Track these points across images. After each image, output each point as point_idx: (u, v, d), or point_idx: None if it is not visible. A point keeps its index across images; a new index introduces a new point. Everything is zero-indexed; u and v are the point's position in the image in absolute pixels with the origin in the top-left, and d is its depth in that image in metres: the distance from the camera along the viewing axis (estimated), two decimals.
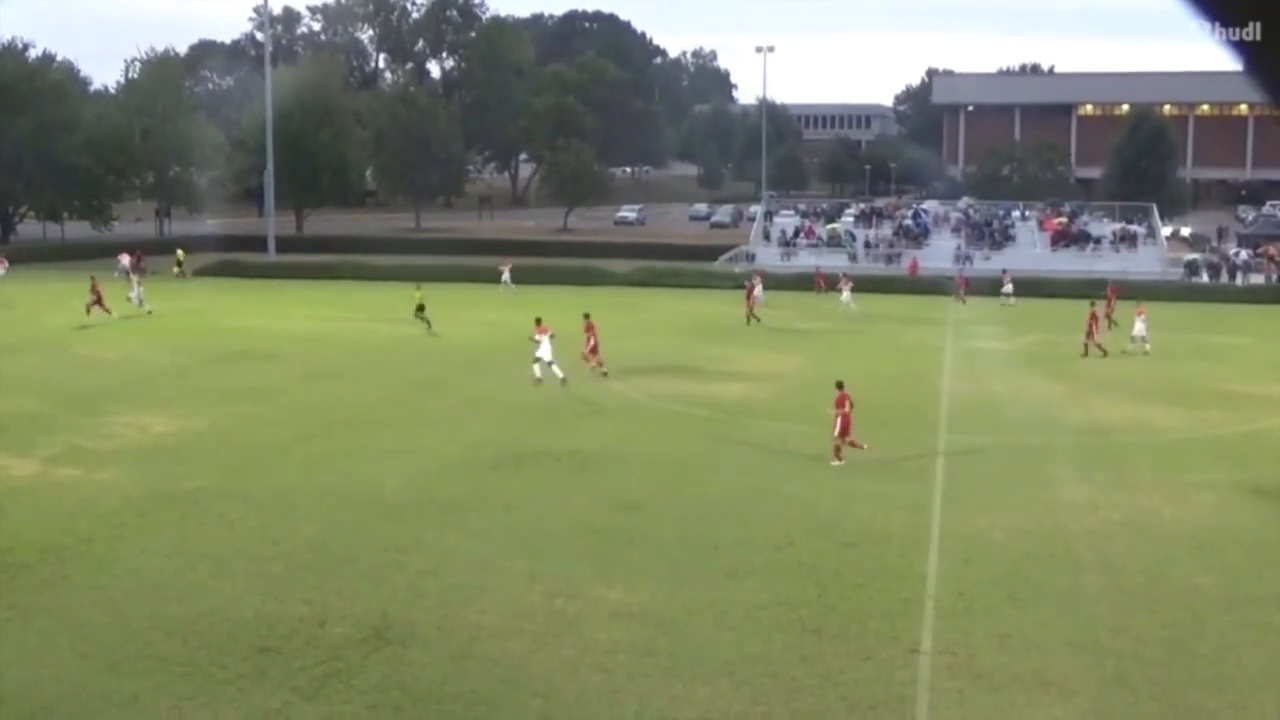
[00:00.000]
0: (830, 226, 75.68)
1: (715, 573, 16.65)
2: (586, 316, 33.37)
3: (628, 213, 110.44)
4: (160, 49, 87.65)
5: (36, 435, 24.94)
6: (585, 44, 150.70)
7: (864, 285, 56.75)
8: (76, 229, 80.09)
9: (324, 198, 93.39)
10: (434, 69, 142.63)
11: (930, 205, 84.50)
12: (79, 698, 12.73)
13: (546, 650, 13.92)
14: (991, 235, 73.66)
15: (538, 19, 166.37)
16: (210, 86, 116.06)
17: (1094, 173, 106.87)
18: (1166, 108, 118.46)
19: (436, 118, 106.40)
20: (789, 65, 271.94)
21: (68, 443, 24.30)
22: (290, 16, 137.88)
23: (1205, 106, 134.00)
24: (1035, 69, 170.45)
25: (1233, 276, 63.36)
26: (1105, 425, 27.75)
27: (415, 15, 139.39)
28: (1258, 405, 30.36)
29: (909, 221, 76.17)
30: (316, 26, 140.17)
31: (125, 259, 59.03)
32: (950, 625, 14.85)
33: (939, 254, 69.39)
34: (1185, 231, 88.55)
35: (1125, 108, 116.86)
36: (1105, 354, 37.59)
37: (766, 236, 75.04)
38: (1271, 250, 66.14)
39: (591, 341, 32.73)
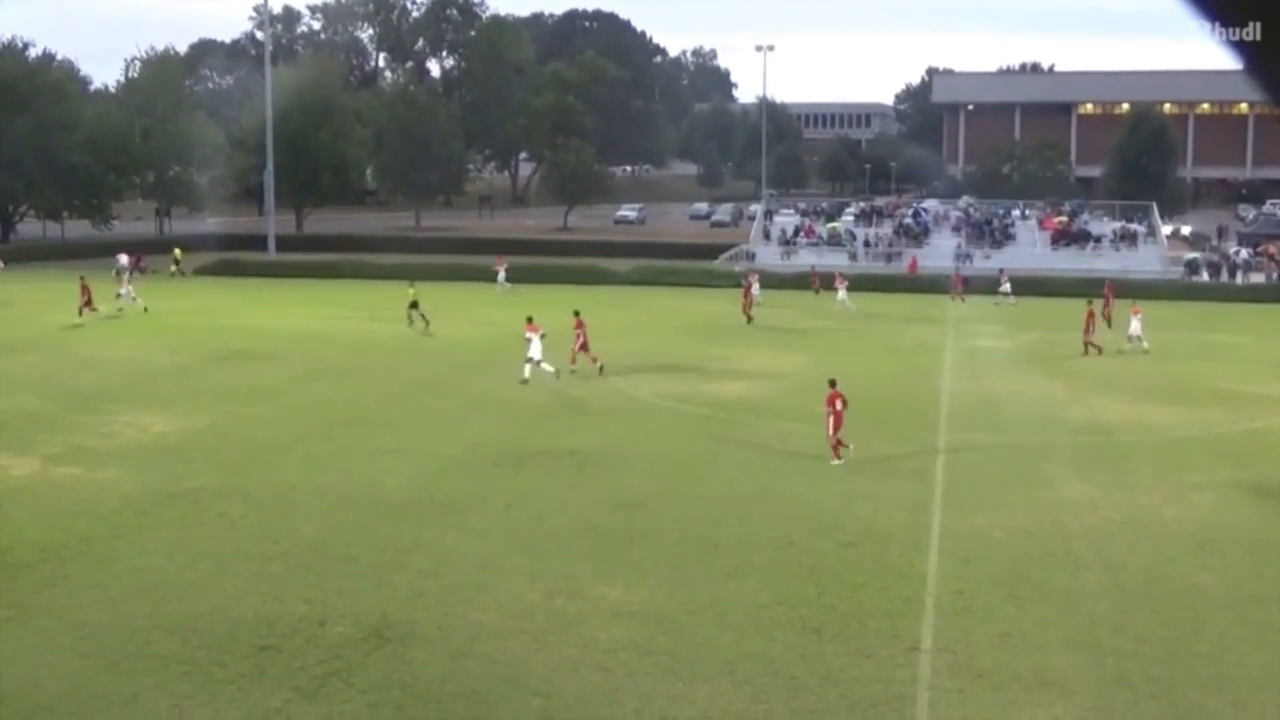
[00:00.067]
0: (830, 225, 75.67)
1: (715, 572, 16.66)
2: (577, 314, 33.41)
3: (628, 212, 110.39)
4: (160, 48, 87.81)
5: (37, 434, 24.95)
6: (585, 43, 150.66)
7: (864, 284, 56.78)
8: (77, 228, 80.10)
9: (324, 197, 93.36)
10: (434, 68, 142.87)
11: (930, 204, 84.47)
12: (79, 697, 12.74)
13: (547, 649, 13.92)
14: (991, 234, 73.65)
15: (538, 18, 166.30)
16: (210, 86, 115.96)
17: (1094, 171, 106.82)
18: (1167, 106, 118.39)
19: (436, 117, 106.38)
20: (789, 64, 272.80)
21: (68, 442, 24.31)
22: (290, 15, 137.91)
23: (1205, 105, 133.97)
24: (1035, 68, 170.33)
25: (1233, 275, 63.34)
26: (1105, 424, 27.75)
27: (415, 14, 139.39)
28: (1258, 404, 30.36)
29: (909, 220, 76.15)
30: (316, 25, 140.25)
31: (123, 259, 59.07)
32: (950, 624, 14.85)
33: (939, 253, 69.36)
34: (1185, 230, 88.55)
35: (1125, 106, 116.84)
36: (1100, 352, 37.62)
37: (766, 235, 75.02)
38: (1272, 249, 66.14)
39: (581, 339, 32.76)
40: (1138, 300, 41.64)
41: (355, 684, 12.96)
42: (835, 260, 66.77)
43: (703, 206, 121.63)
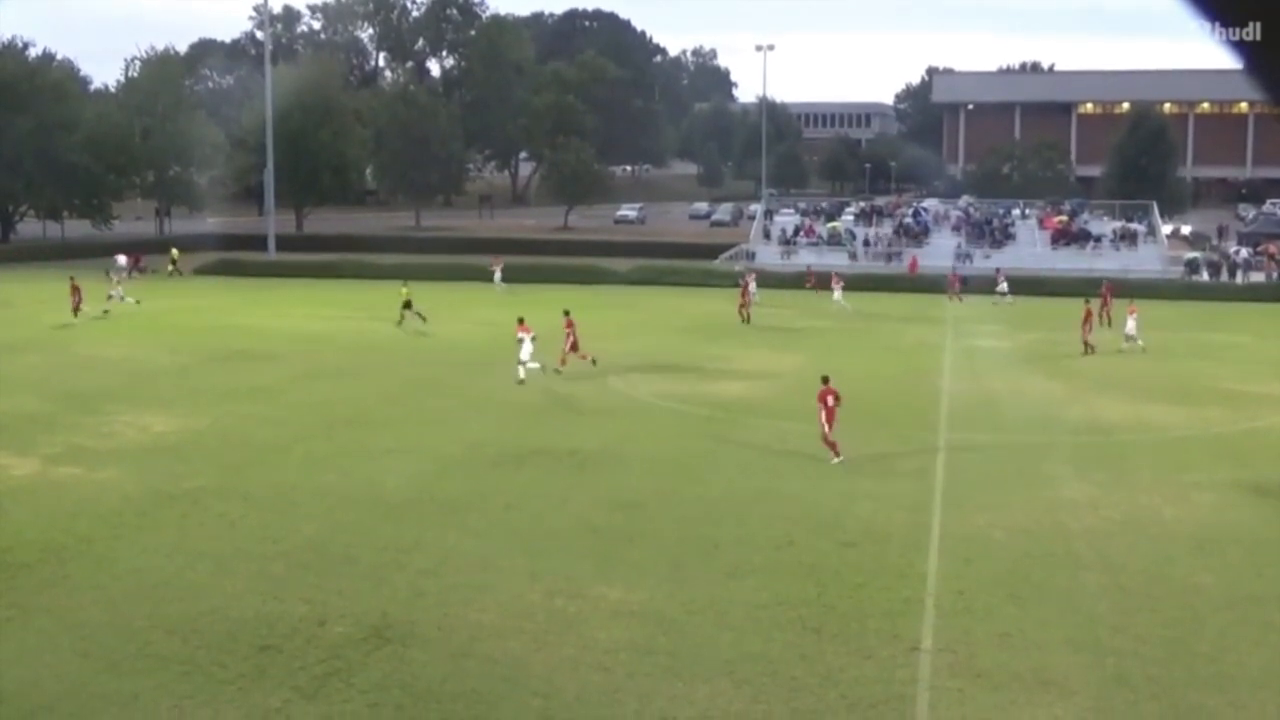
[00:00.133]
0: (830, 225, 75.67)
1: (715, 572, 16.66)
2: (567, 314, 33.43)
3: (628, 211, 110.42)
4: (160, 48, 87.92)
5: (37, 434, 24.95)
6: (585, 43, 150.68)
7: (864, 284, 56.80)
8: (77, 228, 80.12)
9: (324, 196, 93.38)
10: (434, 68, 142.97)
11: (930, 204, 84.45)
12: (79, 697, 12.73)
13: (547, 649, 13.92)
14: (991, 234, 73.64)
15: (538, 17, 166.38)
16: (210, 85, 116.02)
17: (1094, 171, 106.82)
18: (1166, 106, 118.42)
19: (436, 116, 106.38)
20: (789, 63, 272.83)
21: (68, 442, 24.31)
22: (290, 15, 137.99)
23: (1205, 105, 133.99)
24: (1035, 67, 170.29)
25: (1233, 275, 63.34)
26: (1105, 424, 27.75)
27: (415, 14, 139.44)
28: (1258, 404, 30.36)
29: (909, 220, 76.14)
30: (316, 25, 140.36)
31: (122, 259, 59.15)
32: (950, 624, 14.85)
33: (939, 252, 69.35)
34: (1185, 230, 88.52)
35: (1125, 106, 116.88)
36: (1093, 351, 37.69)
37: (766, 235, 75.01)
38: (1272, 248, 66.14)
39: (571, 339, 32.78)
40: (1137, 300, 41.68)
41: (355, 684, 12.96)
42: (835, 260, 66.74)
43: (703, 206, 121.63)
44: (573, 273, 61.15)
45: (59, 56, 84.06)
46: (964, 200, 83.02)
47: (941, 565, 17.04)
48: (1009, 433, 26.65)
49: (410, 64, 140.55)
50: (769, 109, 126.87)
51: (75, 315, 42.67)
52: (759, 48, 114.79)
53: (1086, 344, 38.07)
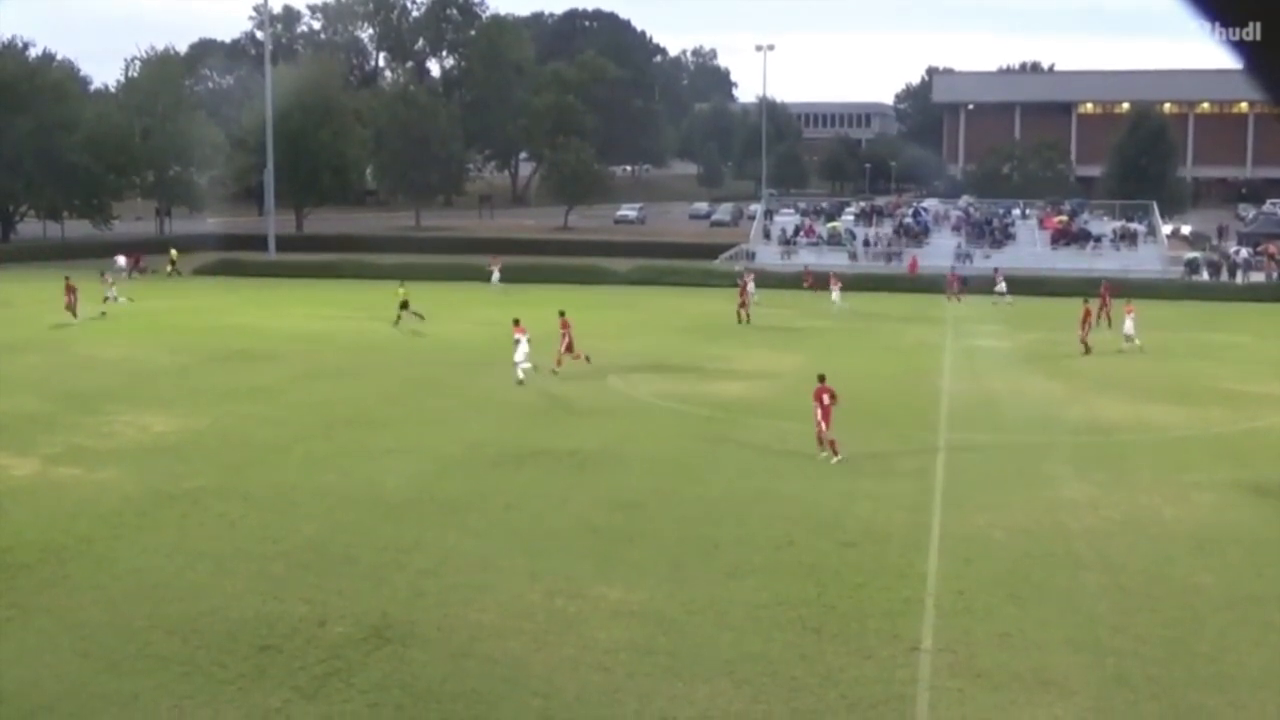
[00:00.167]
0: (830, 225, 75.68)
1: (715, 572, 16.65)
2: (562, 314, 33.42)
3: (628, 211, 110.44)
4: (160, 48, 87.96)
5: (37, 435, 24.95)
6: (585, 43, 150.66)
7: (864, 284, 56.80)
8: (77, 228, 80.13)
9: (324, 197, 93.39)
10: (434, 68, 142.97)
11: (930, 204, 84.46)
12: (79, 697, 12.73)
13: (547, 649, 13.91)
14: (992, 234, 73.65)
15: (538, 17, 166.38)
16: (210, 85, 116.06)
17: (1094, 171, 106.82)
18: (1167, 106, 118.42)
19: (436, 116, 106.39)
20: (789, 63, 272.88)
21: (68, 442, 24.31)
22: (290, 15, 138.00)
23: (1205, 105, 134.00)
24: (1035, 67, 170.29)
25: (1233, 275, 63.34)
26: (1105, 424, 27.75)
27: (415, 14, 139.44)
28: (1258, 404, 30.36)
29: (909, 220, 76.16)
30: (316, 25, 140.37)
31: (121, 260, 59.22)
32: (950, 624, 14.85)
33: (939, 252, 69.35)
34: (1185, 230, 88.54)
35: (1125, 106, 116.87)
36: (1090, 351, 37.74)
37: (767, 235, 75.03)
38: (1272, 248, 66.13)
39: (567, 340, 32.77)
40: (1137, 300, 41.71)
41: (355, 684, 12.96)
42: (835, 260, 66.75)
43: (703, 206, 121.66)
44: (573, 273, 61.14)
45: (59, 57, 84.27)
46: (964, 200, 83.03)
47: (941, 565, 17.04)
48: (1009, 433, 26.65)
49: (410, 64, 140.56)
50: (769, 109, 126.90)
51: (74, 315, 42.65)
52: (759, 48, 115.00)
53: (1084, 344, 38.14)
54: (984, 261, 66.26)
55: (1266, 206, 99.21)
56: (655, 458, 23.45)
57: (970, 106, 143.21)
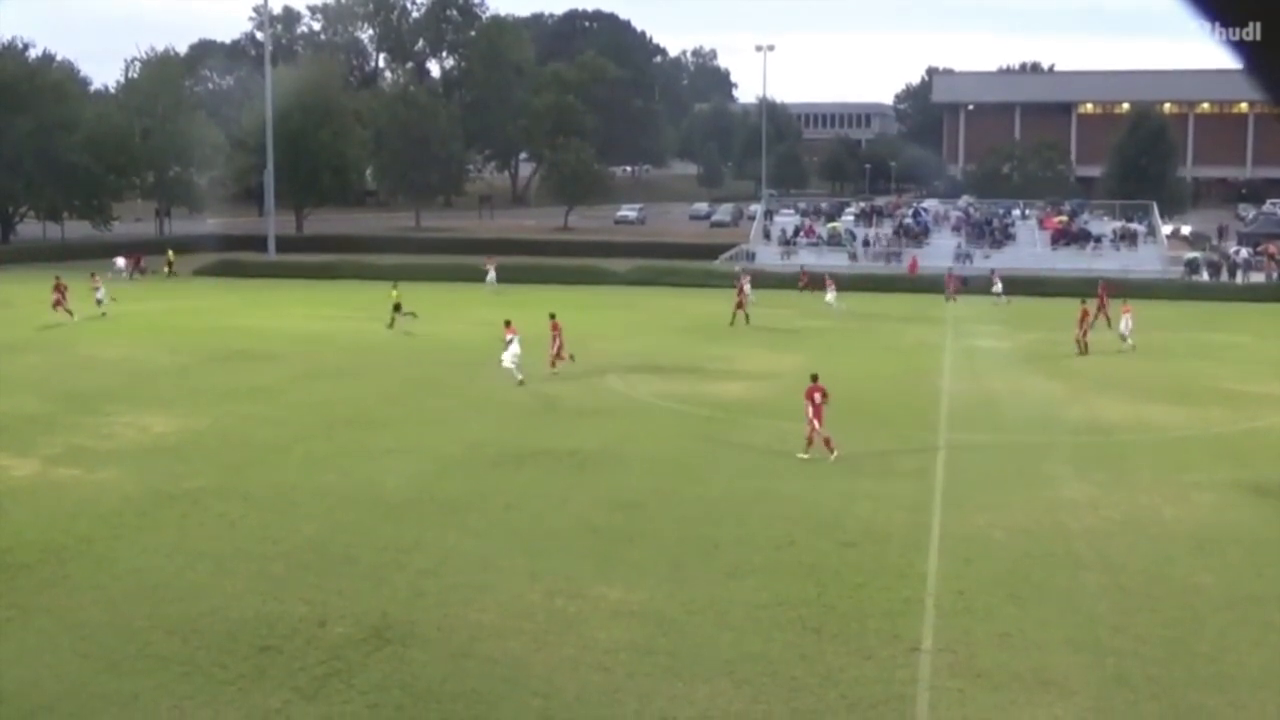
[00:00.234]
0: (830, 225, 75.70)
1: (715, 572, 16.66)
2: (553, 317, 33.39)
3: (628, 212, 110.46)
4: (160, 48, 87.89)
5: (36, 435, 24.96)
6: (585, 43, 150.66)
7: (864, 284, 56.79)
8: (77, 229, 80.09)
9: (324, 197, 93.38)
10: (434, 68, 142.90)
11: (930, 204, 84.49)
12: (79, 697, 12.73)
13: (547, 649, 13.92)
14: (992, 234, 73.65)
15: (538, 18, 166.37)
16: (210, 86, 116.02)
17: (1094, 171, 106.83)
18: (1167, 106, 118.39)
19: (436, 117, 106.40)
20: (789, 64, 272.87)
21: (68, 442, 24.31)
22: (290, 16, 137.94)
23: (1205, 105, 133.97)
24: (1035, 67, 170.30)
25: (1233, 275, 63.33)
26: (1105, 424, 27.75)
27: (415, 14, 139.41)
28: (1258, 404, 30.35)
29: (909, 220, 76.17)
30: (316, 26, 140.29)
31: (121, 260, 59.23)
32: (950, 624, 14.85)
33: (939, 253, 69.34)
34: (1185, 230, 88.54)
35: (1125, 106, 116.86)
36: (1087, 351, 37.77)
37: (767, 235, 75.04)
38: (1272, 248, 66.12)
39: (558, 343, 32.75)
40: (1137, 300, 41.77)
41: (355, 684, 12.96)
42: (835, 260, 66.77)
43: (703, 206, 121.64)
44: (573, 273, 61.15)
45: (59, 57, 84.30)
46: (964, 200, 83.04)
47: (941, 565, 17.04)
48: (1009, 433, 26.65)
49: (410, 65, 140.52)
50: (769, 109, 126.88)
51: (69, 314, 42.68)
52: (759, 48, 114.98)
53: (1083, 344, 38.17)
54: (984, 262, 66.26)
55: (1266, 206, 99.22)
56: (655, 458, 23.45)
57: (970, 107, 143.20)
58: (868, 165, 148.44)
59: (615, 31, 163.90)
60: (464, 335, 41.08)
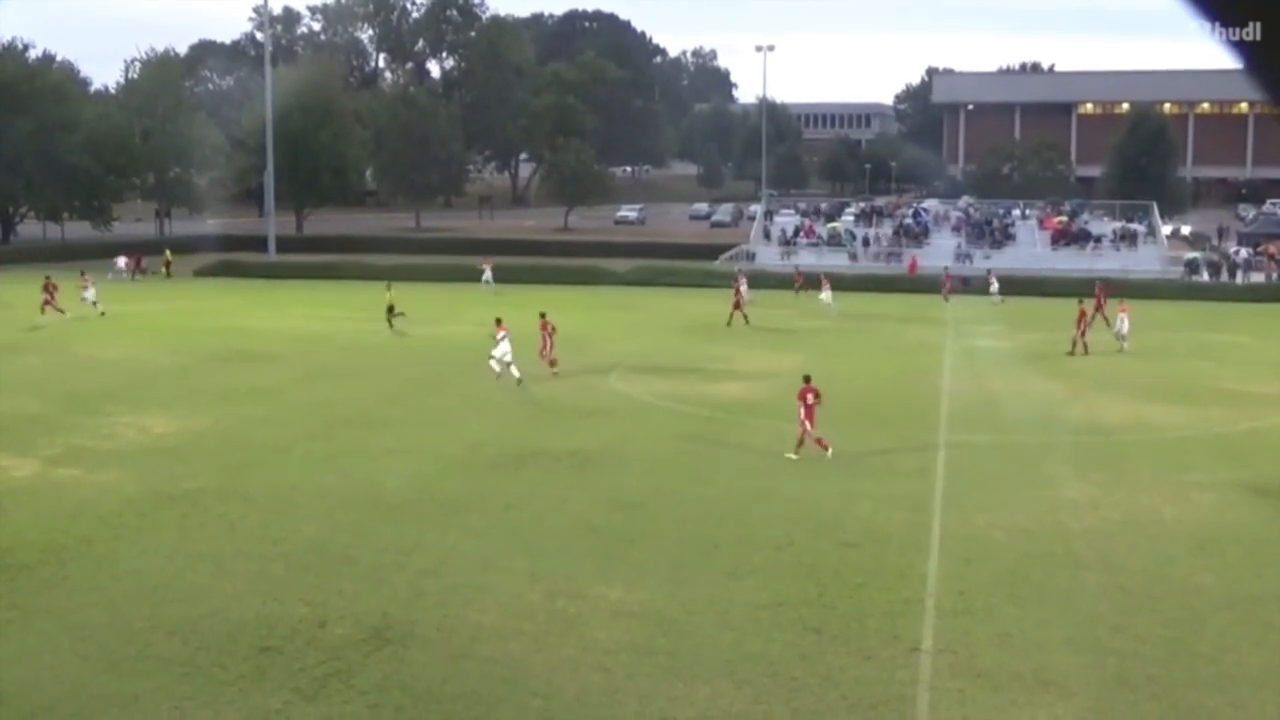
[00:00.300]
0: (830, 225, 75.73)
1: (716, 572, 16.65)
2: (543, 316, 33.36)
3: (628, 212, 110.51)
4: (160, 49, 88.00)
5: (37, 435, 24.95)
6: (585, 43, 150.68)
7: (864, 284, 56.80)
8: (77, 229, 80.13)
9: (324, 197, 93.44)
10: (434, 69, 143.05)
11: (930, 204, 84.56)
12: (79, 698, 12.73)
13: (547, 650, 13.91)
14: (992, 234, 73.67)
15: (538, 19, 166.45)
16: (210, 86, 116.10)
17: (1094, 171, 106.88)
18: (1166, 106, 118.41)
19: (436, 117, 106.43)
20: (789, 64, 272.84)
21: (68, 443, 24.31)
22: (290, 16, 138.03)
23: (1205, 105, 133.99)
24: (1035, 68, 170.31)
25: (1233, 275, 63.35)
26: (1105, 424, 27.74)
27: (415, 15, 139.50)
28: (1258, 404, 30.35)
29: (909, 220, 76.21)
30: (316, 26, 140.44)
31: (121, 261, 59.26)
32: (951, 624, 14.84)
33: (939, 253, 69.36)
34: (1185, 230, 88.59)
35: (1125, 106, 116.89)
36: (1085, 351, 37.78)
37: (767, 236, 75.06)
38: (1272, 249, 66.15)
39: (548, 343, 32.73)
40: (1137, 300, 41.81)
41: (355, 685, 12.96)
42: (835, 260, 66.76)
43: (703, 207, 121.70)
44: (572, 273, 61.17)
45: (59, 58, 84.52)
46: (964, 201, 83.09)
47: (941, 565, 17.03)
48: (1009, 433, 26.64)
49: (410, 65, 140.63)
50: (769, 109, 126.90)
51: (60, 312, 42.72)
52: (759, 48, 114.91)
53: (1082, 344, 38.18)
54: (984, 262, 66.31)
55: (1266, 206, 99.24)
56: (655, 458, 23.44)
57: (970, 107, 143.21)
58: (868, 165, 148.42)
59: (615, 32, 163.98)
60: (464, 335, 41.05)
